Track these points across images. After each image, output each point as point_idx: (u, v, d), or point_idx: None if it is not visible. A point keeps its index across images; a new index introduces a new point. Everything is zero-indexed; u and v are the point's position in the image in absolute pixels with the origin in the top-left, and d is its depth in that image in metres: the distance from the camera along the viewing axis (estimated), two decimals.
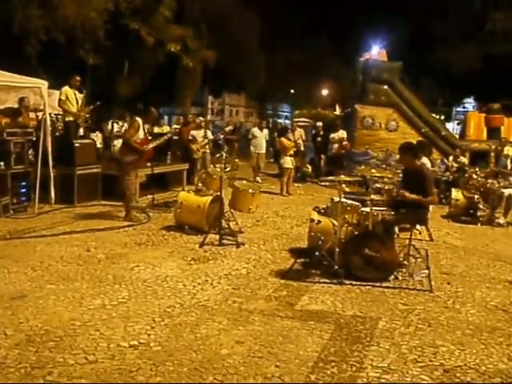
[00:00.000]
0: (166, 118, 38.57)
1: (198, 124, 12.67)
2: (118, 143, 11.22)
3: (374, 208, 5.80)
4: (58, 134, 11.07)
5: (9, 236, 6.94)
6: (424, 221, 6.25)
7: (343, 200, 5.98)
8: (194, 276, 5.56)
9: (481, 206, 9.51)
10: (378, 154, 15.17)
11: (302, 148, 14.56)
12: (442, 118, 38.85)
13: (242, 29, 30.53)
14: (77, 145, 9.57)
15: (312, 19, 37.57)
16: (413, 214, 5.84)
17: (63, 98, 10.32)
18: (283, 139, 12.23)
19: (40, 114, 9.95)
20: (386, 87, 15.80)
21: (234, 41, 29.38)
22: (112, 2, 20.66)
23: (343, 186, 5.98)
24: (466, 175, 10.57)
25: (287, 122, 46.38)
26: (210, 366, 3.56)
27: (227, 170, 7.84)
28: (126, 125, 13.19)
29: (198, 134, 12.12)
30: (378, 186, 7.64)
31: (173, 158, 11.69)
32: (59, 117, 11.65)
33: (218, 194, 7.39)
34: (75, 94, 10.46)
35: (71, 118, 10.48)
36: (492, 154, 12.58)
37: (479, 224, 9.20)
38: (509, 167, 11.08)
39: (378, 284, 5.45)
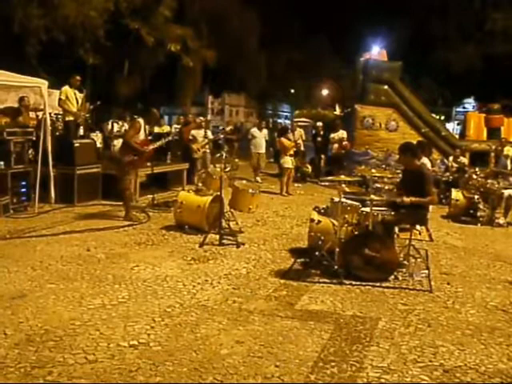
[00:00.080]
0: (166, 117, 38.56)
1: (198, 124, 12.67)
2: (117, 143, 11.22)
3: (373, 208, 5.80)
4: (58, 133, 11.07)
5: (9, 235, 6.94)
6: (424, 221, 6.25)
7: (343, 200, 5.98)
8: (194, 276, 5.56)
9: (481, 207, 9.50)
10: (377, 154, 15.17)
11: (302, 148, 14.58)
12: (442, 118, 38.87)
13: (242, 29, 30.56)
14: (77, 144, 9.57)
15: (312, 19, 37.61)
16: (413, 215, 5.84)
17: (63, 97, 10.33)
18: (283, 139, 12.23)
19: (40, 114, 9.95)
20: (386, 87, 15.79)
21: (234, 40, 29.41)
22: (112, 2, 20.67)
23: (343, 185, 5.97)
24: (466, 175, 10.57)
25: (287, 121, 46.38)
26: (210, 365, 3.56)
27: (227, 169, 7.84)
28: (125, 125, 13.19)
29: (199, 133, 12.11)
30: (378, 185, 7.64)
31: (173, 157, 11.70)
32: (59, 116, 11.65)
33: (218, 193, 7.39)
34: (75, 94, 10.47)
35: (71, 118, 10.49)
36: (492, 154, 12.60)
37: (479, 224, 9.19)
38: (509, 167, 11.08)
39: (377, 284, 5.45)
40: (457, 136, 18.72)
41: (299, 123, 21.76)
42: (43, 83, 9.09)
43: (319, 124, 17.09)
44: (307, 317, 4.53)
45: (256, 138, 14.36)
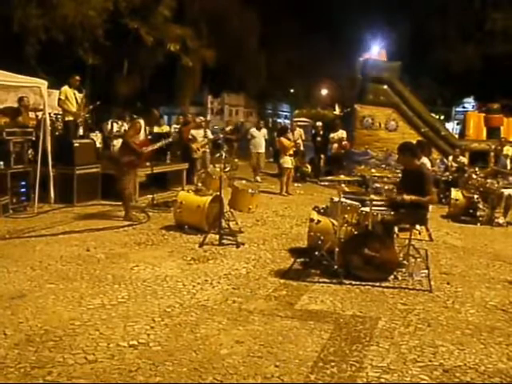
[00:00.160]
0: (165, 117, 38.57)
1: (197, 123, 12.67)
2: (117, 143, 11.22)
3: (373, 208, 5.81)
4: (57, 133, 11.08)
5: (8, 236, 6.94)
6: (424, 221, 6.25)
7: (343, 200, 5.98)
8: (194, 276, 5.56)
9: (480, 206, 9.50)
10: (377, 154, 15.17)
11: (302, 148, 14.57)
12: (442, 117, 38.88)
13: (242, 28, 30.56)
14: (76, 144, 9.57)
15: (312, 19, 37.58)
16: (412, 214, 5.84)
17: (63, 97, 10.33)
18: (283, 139, 12.23)
19: (39, 114, 9.96)
20: (385, 87, 15.79)
21: (234, 40, 29.40)
22: (111, 1, 20.65)
23: (343, 185, 5.97)
24: (466, 175, 10.57)
25: (287, 121, 46.38)
26: (210, 365, 3.56)
27: (227, 169, 7.84)
28: (125, 124, 13.18)
29: (198, 133, 12.11)
30: (378, 185, 7.64)
31: (172, 157, 11.70)
32: (59, 116, 11.66)
33: (218, 193, 7.39)
34: (75, 94, 10.48)
35: (71, 118, 10.50)
36: (492, 153, 12.60)
37: (479, 224, 9.19)
38: (508, 167, 11.08)
39: (377, 284, 5.45)
40: (456, 136, 18.71)
41: (299, 123, 21.74)
42: (43, 83, 9.09)
43: (319, 124, 17.10)
44: (307, 317, 4.53)
45: (255, 138, 14.40)
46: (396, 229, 6.13)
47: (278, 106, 60.29)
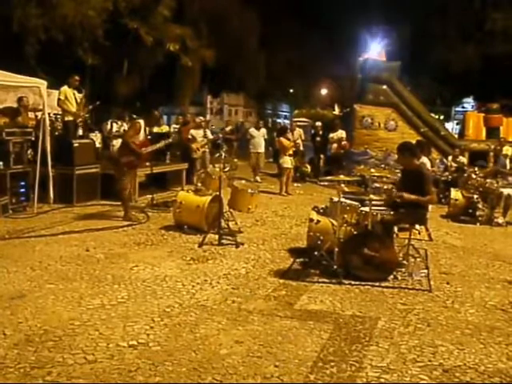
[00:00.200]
0: (165, 117, 38.58)
1: (197, 123, 12.66)
2: (116, 143, 11.21)
3: (373, 208, 5.81)
4: (57, 133, 11.08)
5: (8, 236, 6.94)
6: (423, 220, 6.25)
7: (342, 200, 5.98)
8: (193, 276, 5.56)
9: (480, 206, 9.50)
10: (377, 154, 15.17)
11: (301, 148, 14.58)
12: (441, 117, 38.89)
13: (242, 28, 30.55)
14: (76, 145, 9.56)
15: (311, 19, 37.57)
16: (412, 214, 5.84)
17: (62, 97, 10.33)
18: (282, 139, 12.23)
19: (39, 114, 9.94)
20: (384, 87, 15.79)
21: (234, 40, 29.39)
22: (111, 1, 20.67)
23: (342, 185, 5.97)
24: (465, 175, 10.57)
25: (286, 121, 46.37)
26: (209, 365, 3.56)
27: (226, 169, 7.84)
28: (125, 124, 13.18)
29: (198, 133, 12.10)
30: (377, 185, 7.63)
31: (172, 157, 11.69)
32: (58, 116, 11.65)
33: (217, 193, 7.39)
34: (74, 94, 10.47)
35: (70, 118, 10.49)
36: (491, 153, 12.59)
37: (478, 224, 9.19)
38: (508, 167, 11.08)
39: (377, 284, 5.45)
40: (456, 135, 18.71)
41: (298, 123, 21.77)
42: (42, 83, 9.08)
43: (318, 124, 17.10)
44: (306, 317, 4.53)
45: (254, 138, 14.42)
46: (395, 229, 6.13)
47: (277, 105, 60.29)
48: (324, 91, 49.39)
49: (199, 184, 8.48)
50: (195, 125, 12.70)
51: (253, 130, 14.86)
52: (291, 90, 48.69)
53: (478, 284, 5.73)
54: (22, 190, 8.60)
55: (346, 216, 6.14)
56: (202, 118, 13.79)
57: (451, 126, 36.99)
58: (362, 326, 4.38)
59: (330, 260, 5.66)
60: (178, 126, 15.70)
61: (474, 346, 4.05)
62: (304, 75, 41.14)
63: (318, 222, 6.32)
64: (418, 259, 6.11)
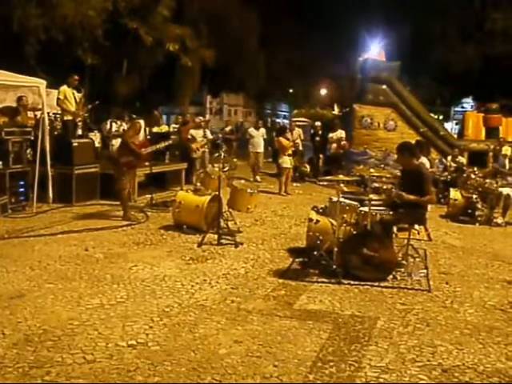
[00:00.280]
0: (164, 117, 38.58)
1: (197, 123, 12.66)
2: (116, 143, 11.20)
3: (372, 208, 5.81)
4: (56, 133, 11.07)
5: (7, 235, 6.93)
6: (422, 221, 6.25)
7: (342, 200, 5.98)
8: (193, 275, 5.56)
9: (479, 206, 9.50)
10: (376, 154, 15.16)
11: (301, 147, 14.58)
12: (441, 117, 38.91)
13: (241, 28, 30.55)
14: (75, 144, 9.56)
15: (311, 19, 37.59)
16: (411, 214, 5.84)
17: (61, 97, 10.34)
18: (282, 139, 12.23)
19: (38, 113, 9.94)
20: (384, 87, 15.80)
21: (233, 40, 29.39)
22: (110, 1, 20.67)
23: (342, 185, 5.98)
24: (465, 175, 10.57)
25: (286, 121, 46.39)
26: (209, 365, 3.56)
27: (225, 169, 7.84)
28: (124, 124, 13.18)
29: (198, 133, 12.10)
30: (377, 185, 7.63)
31: (171, 157, 11.69)
32: (57, 116, 11.65)
33: (217, 193, 7.39)
34: (73, 94, 10.48)
35: (69, 118, 10.49)
36: (490, 153, 12.61)
37: (477, 224, 9.19)
38: (507, 167, 11.09)
39: (376, 284, 5.45)
40: (455, 135, 18.72)
41: (298, 123, 21.79)
42: (41, 83, 9.07)
43: (318, 124, 17.10)
44: (306, 316, 4.53)
45: (254, 138, 14.44)
46: (395, 228, 6.13)
47: (277, 105, 60.29)
48: (323, 91, 49.43)
49: (198, 184, 8.48)
50: (195, 125, 12.70)
51: (252, 130, 14.88)
52: (291, 90, 48.72)
53: (477, 284, 5.74)
54: (21, 189, 8.60)
55: (345, 216, 6.14)
56: (201, 118, 13.80)
57: (450, 126, 37.06)
58: (361, 325, 4.38)
59: (329, 260, 5.66)
60: (177, 126, 15.71)
61: (472, 346, 4.06)
62: (304, 75, 41.16)
63: (318, 221, 6.32)
64: (418, 259, 6.11)
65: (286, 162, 11.94)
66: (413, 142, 8.05)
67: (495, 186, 9.43)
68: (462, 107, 45.40)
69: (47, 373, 3.38)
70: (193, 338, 3.98)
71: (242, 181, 9.46)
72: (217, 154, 7.95)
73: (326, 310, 4.74)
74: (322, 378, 3.47)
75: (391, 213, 5.83)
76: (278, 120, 53.82)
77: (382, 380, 3.49)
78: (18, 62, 15.59)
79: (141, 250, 6.51)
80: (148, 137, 8.97)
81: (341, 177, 6.35)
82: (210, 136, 12.50)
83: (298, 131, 15.54)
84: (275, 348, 3.86)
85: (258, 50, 33.89)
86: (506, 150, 13.12)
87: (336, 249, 5.67)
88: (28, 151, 9.01)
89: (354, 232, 5.94)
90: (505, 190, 9.27)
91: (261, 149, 14.44)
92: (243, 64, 32.18)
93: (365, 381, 3.47)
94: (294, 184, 13.36)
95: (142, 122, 8.28)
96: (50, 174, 9.07)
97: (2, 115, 9.97)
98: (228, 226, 7.51)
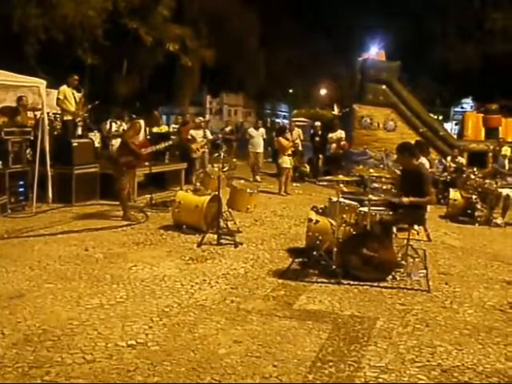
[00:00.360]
0: (164, 117, 38.56)
1: (197, 124, 12.66)
2: (116, 143, 11.20)
3: (372, 208, 5.81)
4: (56, 133, 11.07)
5: (7, 235, 6.93)
6: (422, 221, 6.25)
7: (341, 200, 5.98)
8: (192, 275, 5.56)
9: (479, 207, 9.51)
10: (376, 154, 15.17)
11: (300, 148, 14.57)
12: (440, 118, 38.93)
13: (241, 28, 30.56)
14: (75, 144, 9.56)
15: (311, 19, 37.60)
16: (411, 214, 5.85)
17: (61, 97, 10.33)
18: (281, 139, 12.23)
19: (38, 113, 9.94)
20: (384, 87, 15.81)
21: (233, 40, 29.40)
22: (110, 1, 20.68)
23: (341, 185, 5.98)
24: (464, 175, 10.57)
25: (285, 121, 46.38)
26: (208, 365, 3.56)
27: (225, 169, 7.84)
28: (124, 124, 13.18)
29: (198, 134, 12.10)
30: (376, 185, 7.64)
31: (171, 157, 11.69)
32: (57, 116, 11.65)
33: (216, 193, 7.39)
34: (73, 94, 10.48)
35: (69, 118, 10.49)
36: (490, 154, 12.63)
37: (477, 224, 9.20)
38: (507, 167, 11.09)
39: (375, 284, 5.45)
40: (455, 136, 18.73)
41: (297, 123, 21.78)
42: (41, 83, 9.07)
43: (317, 124, 17.08)
44: (305, 316, 4.53)
45: (253, 138, 14.46)
46: (394, 229, 6.13)
47: (276, 105, 60.29)
48: (323, 91, 49.42)
49: (198, 184, 8.48)
50: (195, 125, 12.70)
51: (252, 130, 14.90)
52: (290, 90, 48.72)
53: (476, 284, 5.74)
54: (21, 189, 8.59)
55: (344, 216, 6.14)
56: (201, 118, 13.81)
57: (450, 127, 37.06)
58: (360, 326, 4.39)
59: (328, 260, 5.66)
60: (177, 126, 15.70)
61: (472, 347, 4.06)
62: (303, 75, 41.15)
63: (317, 221, 6.32)
64: (417, 259, 6.10)
65: (286, 162, 11.95)
66: (412, 142, 8.05)
67: (495, 186, 9.43)
68: (462, 107, 45.45)
69: (47, 373, 3.38)
70: (192, 338, 3.98)
71: (242, 181, 9.47)
72: (216, 154, 7.95)
73: (325, 310, 4.74)
74: (322, 378, 3.47)
75: (391, 213, 5.83)
76: (277, 120, 53.82)
77: (381, 380, 3.49)
78: (17, 61, 15.60)
79: (140, 250, 6.51)
80: (148, 137, 8.97)
81: (340, 177, 6.35)
82: (210, 136, 12.50)
83: (297, 131, 15.55)
84: (275, 348, 3.86)
85: (258, 50, 33.90)
86: (505, 150, 13.13)
87: (335, 249, 5.67)
88: (28, 151, 9.01)
89: (354, 232, 5.94)
90: (504, 191, 9.27)
91: (260, 149, 14.45)
92: (243, 64, 32.19)
93: (364, 381, 3.47)
94: (294, 184, 13.36)
95: (142, 122, 8.28)
96: (49, 173, 9.06)
97: (2, 115, 9.97)
98: (228, 226, 7.51)
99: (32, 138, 9.06)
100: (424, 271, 5.78)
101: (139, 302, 4.69)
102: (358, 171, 8.46)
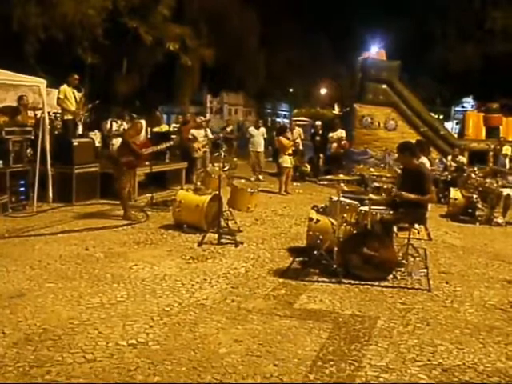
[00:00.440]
0: (164, 116, 38.55)
1: (198, 123, 12.66)
2: (116, 142, 11.22)
3: (372, 207, 5.81)
4: (56, 132, 11.07)
5: (7, 235, 6.93)
6: (423, 220, 6.25)
7: (342, 199, 5.98)
8: (193, 275, 5.56)
9: (479, 206, 9.51)
10: (376, 153, 15.18)
11: (301, 147, 14.59)
12: (441, 117, 38.93)
13: (241, 27, 30.53)
14: (75, 143, 9.56)
15: (311, 18, 37.60)
16: (411, 214, 5.85)
17: (61, 96, 10.33)
18: (282, 138, 12.23)
19: (38, 113, 9.94)
20: (384, 86, 15.79)
21: (233, 39, 29.38)
22: (110, 0, 20.66)
23: (342, 185, 5.97)
24: (465, 174, 10.57)
25: (286, 120, 46.37)
26: (209, 365, 3.56)
27: (226, 168, 7.84)
28: (124, 123, 13.18)
29: (199, 133, 12.10)
30: (377, 185, 7.63)
31: (172, 156, 11.68)
32: (58, 115, 11.65)
33: (217, 192, 7.38)
34: (74, 93, 10.48)
35: (70, 117, 10.49)
36: (491, 153, 12.61)
37: (478, 223, 9.19)
38: (507, 166, 11.08)
39: (376, 283, 5.45)
40: (455, 135, 18.72)
41: (298, 122, 21.72)
42: (42, 82, 9.07)
43: (318, 123, 17.08)
44: (306, 316, 4.53)
45: (254, 137, 14.46)
46: (395, 228, 6.13)
47: (277, 105, 60.23)
48: (324, 90, 49.38)
49: (199, 183, 8.48)
50: (195, 124, 12.70)
51: (252, 129, 14.89)
52: (291, 90, 48.67)
53: (477, 283, 5.74)
54: (22, 188, 8.60)
55: (345, 215, 6.13)
56: (202, 117, 13.80)
57: (451, 126, 37.04)
58: (361, 325, 4.39)
59: (329, 259, 5.66)
60: (177, 126, 15.70)
61: (473, 346, 4.06)
62: (304, 74, 41.14)
63: (318, 221, 6.32)
64: (418, 259, 6.11)
65: (287, 161, 11.94)
66: (413, 141, 8.05)
67: (495, 185, 9.43)
68: (463, 107, 45.43)
69: (47, 372, 3.38)
70: (193, 338, 3.98)
71: (243, 180, 9.47)
72: (217, 154, 7.94)
73: (326, 309, 4.74)
74: (322, 378, 3.47)
75: (391, 212, 5.83)
76: (278, 119, 53.83)
77: (381, 379, 3.49)
78: (18, 61, 15.58)
79: (141, 250, 6.51)
80: (148, 136, 8.97)
81: (341, 176, 6.34)
82: (210, 136, 12.50)
83: (298, 131, 15.54)
84: (275, 347, 3.86)
85: (258, 50, 33.86)
86: (506, 149, 13.11)
87: (336, 248, 5.67)
88: (28, 150, 9.02)
89: (355, 231, 5.94)
90: (505, 190, 9.27)
91: (261, 148, 14.46)
92: (243, 63, 32.17)
93: (365, 380, 3.47)
94: (295, 183, 13.35)
95: (143, 122, 8.28)
96: (50, 173, 9.07)
97: (3, 114, 9.97)
98: (228, 226, 7.52)
99: (32, 137, 9.07)
100: (425, 270, 5.79)
101: (140, 302, 4.69)
102: (359, 170, 8.48)
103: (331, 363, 3.66)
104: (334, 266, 5.57)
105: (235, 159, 11.88)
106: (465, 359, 3.82)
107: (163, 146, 8.85)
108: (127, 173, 8.17)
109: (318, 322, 4.39)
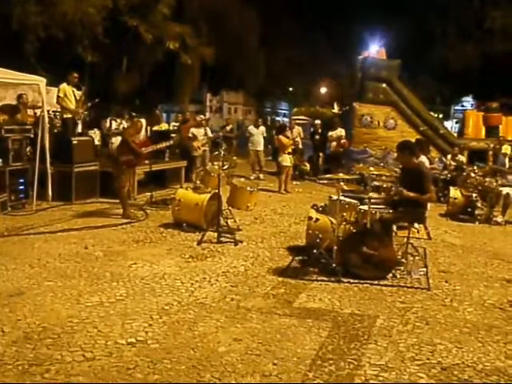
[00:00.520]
0: (164, 115, 38.51)
1: (198, 122, 12.66)
2: (116, 140, 11.20)
3: (372, 206, 5.81)
4: (56, 131, 11.06)
5: (7, 233, 6.93)
6: (422, 219, 6.25)
7: (341, 198, 5.98)
8: (192, 273, 5.56)
9: (479, 205, 9.51)
10: (376, 152, 15.17)
11: (300, 146, 14.58)
12: (441, 116, 38.91)
13: (241, 26, 30.53)
14: (75, 142, 9.55)
15: (311, 17, 37.57)
16: (411, 213, 5.84)
17: (61, 95, 10.31)
18: (281, 137, 12.22)
19: (38, 111, 9.94)
20: (384, 85, 15.79)
21: (233, 38, 29.37)
22: None
23: (341, 183, 5.97)
24: (464, 173, 10.57)
25: (285, 119, 46.33)
26: (208, 363, 3.56)
27: (225, 167, 7.84)
28: (124, 122, 13.17)
29: (199, 132, 12.09)
30: (376, 184, 7.63)
31: (171, 155, 11.68)
32: (57, 114, 11.64)
33: (216, 191, 7.38)
34: (73, 91, 10.45)
35: (69, 115, 10.47)
36: (490, 152, 12.61)
37: (477, 222, 9.19)
38: (507, 165, 11.08)
39: (375, 282, 5.45)
40: (455, 134, 18.71)
41: (297, 121, 21.72)
42: (41, 80, 9.07)
43: (317, 122, 17.07)
44: (305, 315, 4.53)
45: (253, 136, 14.46)
46: (394, 227, 6.13)
47: (276, 104, 60.20)
48: (323, 89, 49.36)
49: (198, 182, 8.48)
50: (195, 123, 12.69)
51: (252, 128, 14.89)
52: (291, 89, 48.66)
53: (476, 282, 5.74)
54: (21, 187, 8.60)
55: (345, 214, 6.13)
56: (202, 116, 13.80)
57: (450, 125, 37.01)
58: (360, 324, 4.39)
59: (328, 258, 5.66)
60: (177, 124, 15.69)
61: (472, 345, 4.06)
62: (303, 73, 41.13)
63: (317, 220, 6.32)
64: (417, 258, 6.10)
65: (286, 160, 11.94)
66: (413, 140, 8.05)
67: (495, 184, 9.43)
68: (462, 106, 45.42)
69: (46, 370, 3.38)
70: (192, 336, 3.98)
71: (242, 179, 9.47)
72: (217, 152, 7.94)
73: (325, 308, 4.74)
74: (322, 376, 3.47)
75: (391, 211, 5.83)
76: (277, 118, 53.79)
77: (381, 378, 3.49)
78: (17, 59, 15.55)
79: (140, 248, 6.51)
80: (148, 135, 8.97)
81: (341, 175, 6.34)
82: (210, 134, 12.49)
83: (297, 129, 15.53)
84: (274, 346, 3.86)
85: (258, 48, 33.87)
86: (505, 148, 13.10)
87: (336, 247, 5.67)
88: (28, 149, 9.02)
89: (354, 230, 5.94)
90: (504, 189, 9.27)
91: (261, 147, 14.46)
92: (243, 62, 32.17)
93: (364, 379, 3.47)
94: (294, 182, 13.34)
95: (143, 120, 8.28)
96: (49, 171, 9.07)
97: (2, 113, 9.95)
98: (228, 224, 7.52)
99: (32, 135, 9.06)
100: (424, 269, 5.78)
101: (139, 300, 4.69)
102: (358, 169, 8.47)
103: (330, 362, 3.66)
104: (334, 264, 5.58)
105: (235, 158, 11.82)
106: (464, 358, 3.82)
107: (163, 144, 8.85)
108: (127, 171, 8.17)
109: (317, 321, 4.39)
